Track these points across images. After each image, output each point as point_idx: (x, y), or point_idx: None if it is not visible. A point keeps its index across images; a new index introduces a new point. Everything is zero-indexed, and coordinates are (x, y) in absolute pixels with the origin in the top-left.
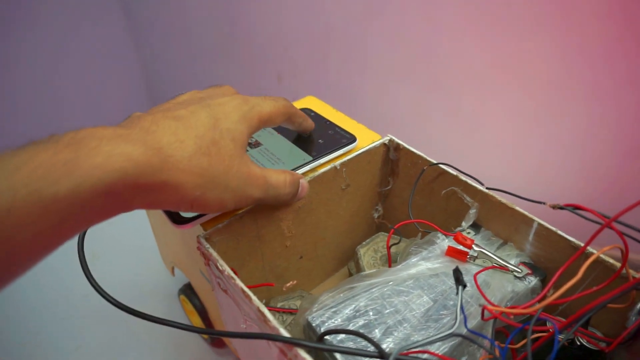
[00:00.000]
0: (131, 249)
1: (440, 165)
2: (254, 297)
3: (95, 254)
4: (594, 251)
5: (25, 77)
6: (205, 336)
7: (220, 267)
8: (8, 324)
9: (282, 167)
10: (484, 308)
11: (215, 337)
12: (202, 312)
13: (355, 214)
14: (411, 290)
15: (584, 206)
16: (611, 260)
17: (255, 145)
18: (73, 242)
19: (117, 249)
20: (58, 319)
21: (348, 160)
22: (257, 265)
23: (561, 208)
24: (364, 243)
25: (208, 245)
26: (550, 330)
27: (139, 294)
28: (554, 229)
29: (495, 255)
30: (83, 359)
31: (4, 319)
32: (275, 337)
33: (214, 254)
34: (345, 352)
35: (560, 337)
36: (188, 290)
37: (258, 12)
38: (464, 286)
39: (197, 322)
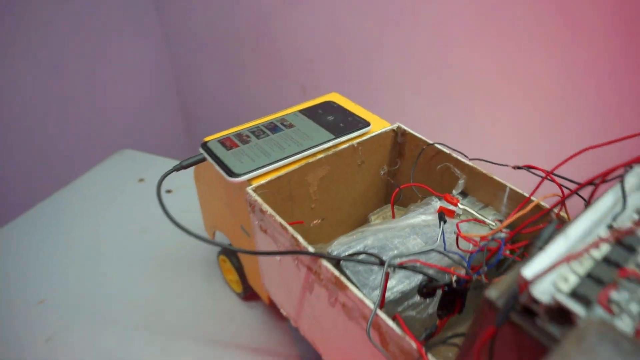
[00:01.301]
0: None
1: (436, 145)
2: (289, 227)
3: (144, 226)
4: (546, 205)
5: (68, 89)
6: (239, 290)
7: (263, 209)
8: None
9: (309, 145)
10: (458, 234)
11: (247, 292)
12: (239, 269)
13: (368, 188)
14: (408, 235)
15: (534, 165)
16: (547, 205)
17: (289, 126)
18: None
19: (163, 224)
20: (108, 276)
21: (363, 140)
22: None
23: (519, 168)
24: (375, 211)
25: (254, 194)
26: (499, 244)
27: (183, 260)
28: (520, 191)
29: (475, 212)
30: (137, 309)
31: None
32: (305, 252)
33: (259, 199)
34: (355, 261)
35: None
36: (228, 250)
37: (283, 29)
38: (445, 221)
39: (234, 278)
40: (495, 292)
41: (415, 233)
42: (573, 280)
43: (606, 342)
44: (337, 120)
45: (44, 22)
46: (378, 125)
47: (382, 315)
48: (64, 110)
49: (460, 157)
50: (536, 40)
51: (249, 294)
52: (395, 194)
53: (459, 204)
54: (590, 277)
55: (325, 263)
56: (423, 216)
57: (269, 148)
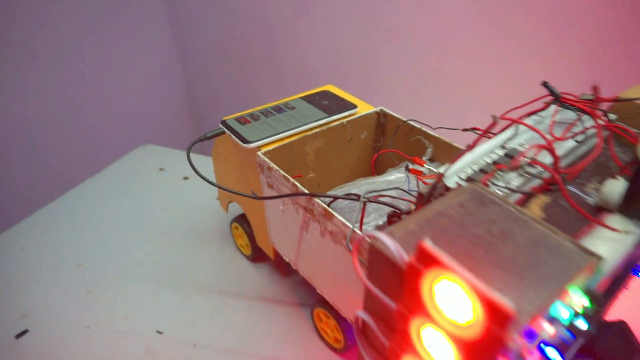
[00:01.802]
0: (192, 204)
1: (409, 122)
2: (290, 178)
3: (165, 206)
4: None
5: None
6: (248, 252)
7: (270, 167)
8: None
9: (307, 121)
10: (418, 178)
11: (255, 254)
12: (249, 233)
13: (357, 161)
14: (384, 186)
15: (479, 127)
16: None
17: (291, 108)
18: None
19: (182, 204)
20: (136, 246)
21: (351, 120)
22: None
23: (466, 130)
24: (361, 179)
25: (264, 157)
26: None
27: (200, 233)
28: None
29: (438, 171)
30: (162, 272)
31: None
32: (302, 193)
33: (267, 160)
34: (339, 197)
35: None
36: (239, 218)
37: (289, 41)
38: (409, 170)
39: (244, 242)
40: (424, 188)
41: (389, 185)
42: (470, 172)
43: (473, 192)
44: (330, 104)
45: (70, 33)
46: (364, 109)
47: (357, 230)
48: (94, 111)
49: (427, 129)
50: (531, 44)
51: (256, 256)
52: (375, 159)
53: (425, 165)
54: (481, 171)
55: (317, 200)
56: (397, 174)
57: (275, 123)
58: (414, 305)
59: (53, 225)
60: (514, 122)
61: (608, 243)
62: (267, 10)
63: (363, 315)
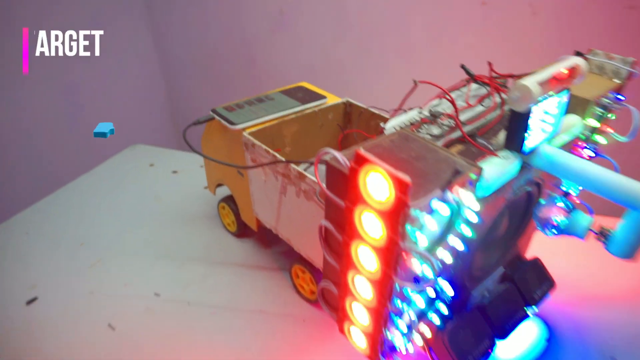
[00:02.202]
0: (182, 194)
1: (370, 109)
2: (270, 150)
3: (157, 196)
4: None
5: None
6: (234, 229)
7: (253, 144)
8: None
9: (284, 109)
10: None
11: (240, 230)
12: (235, 211)
13: (327, 145)
14: None
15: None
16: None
17: (271, 99)
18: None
19: (172, 194)
20: (131, 228)
21: (321, 108)
22: None
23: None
24: None
25: (248, 136)
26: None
27: (190, 216)
28: None
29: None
30: (157, 247)
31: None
32: (280, 161)
33: (251, 138)
34: (310, 162)
35: None
36: (226, 199)
37: (268, 52)
38: None
39: (230, 220)
40: (366, 144)
41: None
42: (403, 125)
43: (401, 134)
44: (304, 96)
45: None
46: (333, 100)
47: (323, 185)
48: (89, 116)
49: (384, 114)
50: None
51: (241, 232)
52: (342, 139)
53: None
54: (411, 124)
55: (293, 166)
56: None
57: (258, 110)
58: (355, 197)
59: (53, 213)
60: (433, 84)
61: (492, 163)
62: (246, 25)
63: (325, 223)
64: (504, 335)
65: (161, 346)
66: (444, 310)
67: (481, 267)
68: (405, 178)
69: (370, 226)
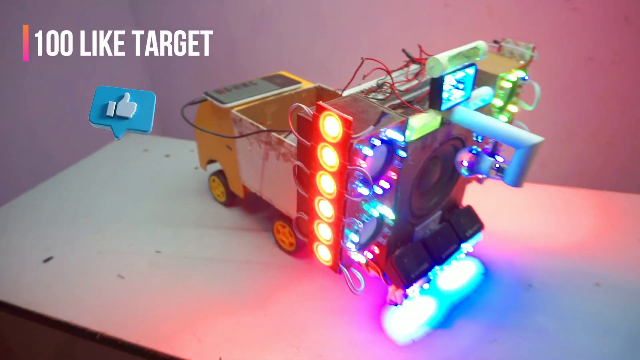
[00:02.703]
0: (175, 174)
1: (338, 91)
2: (255, 122)
3: (152, 177)
4: None
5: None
6: (223, 199)
7: (240, 118)
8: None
9: (265, 93)
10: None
11: (228, 201)
12: (224, 182)
13: None
14: None
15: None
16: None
17: (254, 84)
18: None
19: (165, 175)
20: (129, 203)
21: (297, 91)
22: None
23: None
24: None
25: (236, 112)
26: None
27: (183, 191)
28: None
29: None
30: (155, 217)
31: None
32: (263, 130)
33: (238, 114)
34: (287, 130)
35: None
36: (216, 173)
37: (251, 53)
38: None
39: (220, 191)
40: (325, 102)
41: None
42: (355, 92)
43: (352, 96)
44: (282, 81)
45: None
46: (307, 85)
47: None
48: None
49: None
50: None
51: (229, 202)
52: None
53: None
54: (362, 92)
55: (273, 134)
56: None
57: (243, 93)
58: (317, 137)
59: (58, 192)
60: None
61: (418, 117)
62: (229, 27)
63: (297, 162)
64: (440, 262)
65: (164, 290)
66: (388, 231)
67: (421, 207)
68: (349, 117)
69: (328, 158)
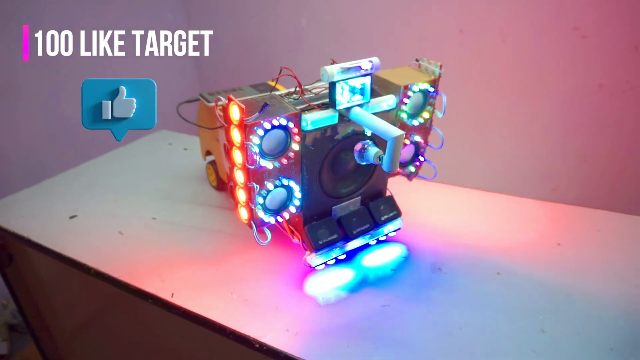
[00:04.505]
0: (188, 163)
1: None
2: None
3: (172, 163)
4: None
5: None
6: (215, 184)
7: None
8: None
9: (247, 96)
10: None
11: (219, 185)
12: (216, 170)
13: None
14: None
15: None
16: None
17: (240, 89)
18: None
19: (180, 166)
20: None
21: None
22: None
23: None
24: None
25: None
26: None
27: (190, 176)
28: None
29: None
30: (159, 195)
31: None
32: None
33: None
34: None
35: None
36: (211, 162)
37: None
38: None
39: (213, 177)
40: (243, 98)
41: None
42: (279, 94)
43: (271, 95)
44: (264, 89)
45: None
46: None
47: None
48: None
49: None
50: None
51: (220, 186)
52: None
53: None
54: (281, 95)
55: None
56: None
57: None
58: (229, 120)
59: (92, 173)
60: (291, 72)
61: (313, 113)
62: (266, 42)
63: (224, 141)
64: (351, 237)
65: (149, 245)
66: (299, 202)
67: (335, 188)
68: (242, 105)
69: (236, 136)
